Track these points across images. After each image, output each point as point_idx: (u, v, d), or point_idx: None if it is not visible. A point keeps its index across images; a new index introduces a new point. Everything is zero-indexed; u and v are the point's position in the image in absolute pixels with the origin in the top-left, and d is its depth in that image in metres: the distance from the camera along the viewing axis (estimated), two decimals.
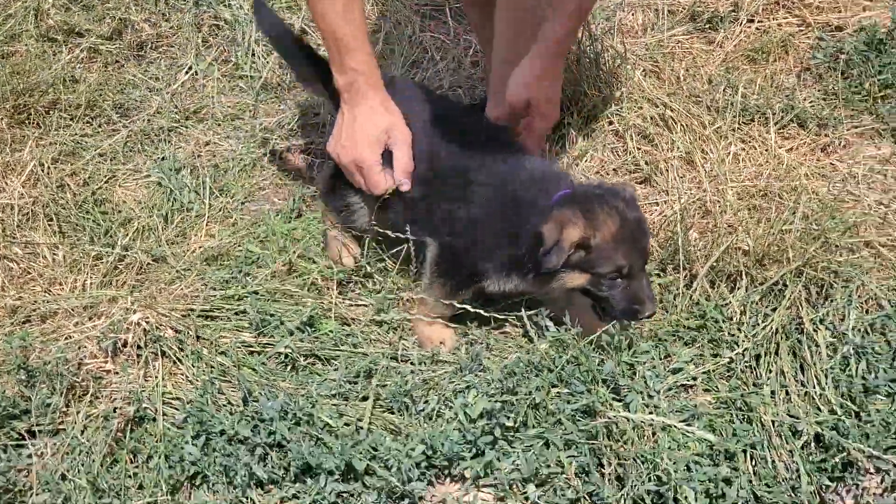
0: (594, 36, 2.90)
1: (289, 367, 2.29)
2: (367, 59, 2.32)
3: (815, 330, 2.20)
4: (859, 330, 2.21)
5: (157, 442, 2.11)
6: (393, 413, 2.17)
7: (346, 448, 2.04)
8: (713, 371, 2.19)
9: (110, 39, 3.22)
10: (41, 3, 3.25)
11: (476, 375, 2.19)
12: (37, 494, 2.02)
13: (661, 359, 2.22)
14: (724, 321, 2.25)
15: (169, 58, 3.23)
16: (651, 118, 2.77)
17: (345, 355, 2.30)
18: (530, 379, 2.10)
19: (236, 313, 2.37)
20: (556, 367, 2.10)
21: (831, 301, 2.25)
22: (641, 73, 2.91)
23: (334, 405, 2.17)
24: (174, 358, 2.26)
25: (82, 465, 2.05)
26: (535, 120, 2.47)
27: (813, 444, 2.06)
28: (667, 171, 2.66)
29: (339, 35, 2.30)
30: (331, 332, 2.35)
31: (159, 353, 2.25)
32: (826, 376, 2.13)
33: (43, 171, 2.75)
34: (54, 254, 2.55)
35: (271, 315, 2.35)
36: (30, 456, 2.09)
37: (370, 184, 2.34)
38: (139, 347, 2.25)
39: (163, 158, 2.88)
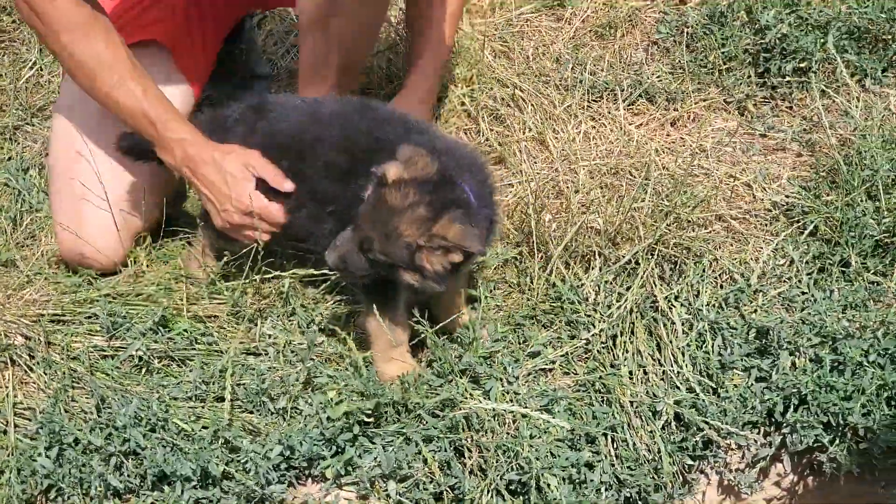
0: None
1: (143, 371, 2.21)
2: (184, 125, 2.26)
3: (669, 307, 2.23)
4: (713, 305, 2.25)
5: (8, 456, 2.04)
6: (251, 413, 2.13)
7: (203, 453, 1.99)
8: (571, 353, 2.20)
9: None
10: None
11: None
12: None
13: (519, 344, 2.22)
14: (579, 302, 2.26)
15: (12, 53, 3.10)
16: (502, 99, 2.76)
17: (201, 355, 2.23)
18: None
19: (88, 317, 2.29)
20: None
21: (685, 277, 2.29)
22: (491, 54, 2.90)
23: (190, 408, 2.12)
24: (25, 366, 2.19)
25: None
26: None
27: (673, 424, 2.09)
28: (519, 152, 2.66)
29: (151, 115, 2.23)
30: (185, 331, 2.27)
31: (9, 362, 2.18)
32: (683, 354, 2.17)
33: None
34: None
35: (123, 317, 2.27)
36: None
37: (273, 220, 2.22)
38: None
39: (9, 158, 2.78)
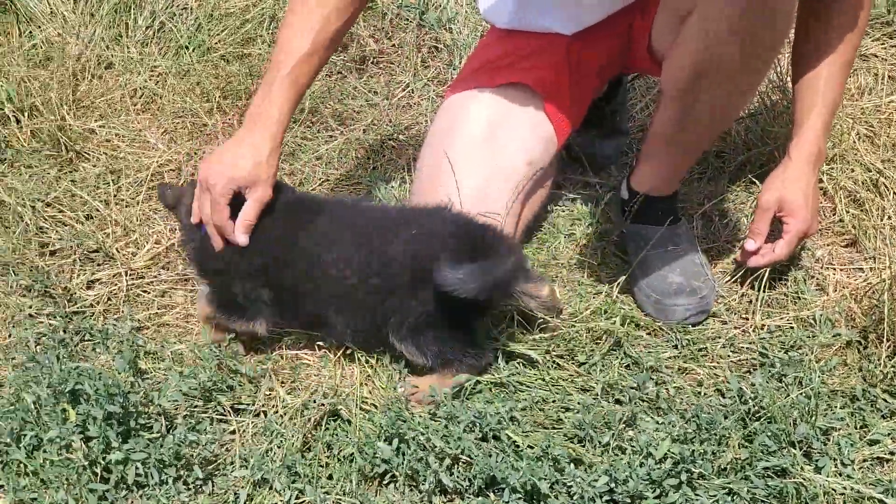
0: None
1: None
2: (272, 122, 2.29)
3: None
4: None
5: (349, 437, 2.20)
6: (574, 442, 2.21)
7: (532, 467, 2.10)
8: None
9: (336, 51, 3.37)
10: (276, 11, 3.44)
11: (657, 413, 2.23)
12: (238, 468, 2.15)
13: (856, 428, 2.20)
14: None
15: (388, 73, 3.37)
16: (863, 182, 2.76)
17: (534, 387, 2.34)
18: (716, 426, 2.13)
19: None
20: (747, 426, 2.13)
21: None
22: (856, 136, 2.89)
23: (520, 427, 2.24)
24: (367, 365, 2.36)
25: (278, 447, 2.17)
26: (787, 223, 2.47)
27: None
28: (875, 237, 2.64)
29: (283, 65, 2.28)
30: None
31: (356, 359, 2.35)
32: None
33: None
34: None
35: None
36: (233, 432, 2.22)
37: (210, 213, 2.24)
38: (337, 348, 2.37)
39: (373, 168, 3.01)
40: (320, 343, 2.36)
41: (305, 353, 2.38)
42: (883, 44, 3.25)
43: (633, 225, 2.58)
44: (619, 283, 2.48)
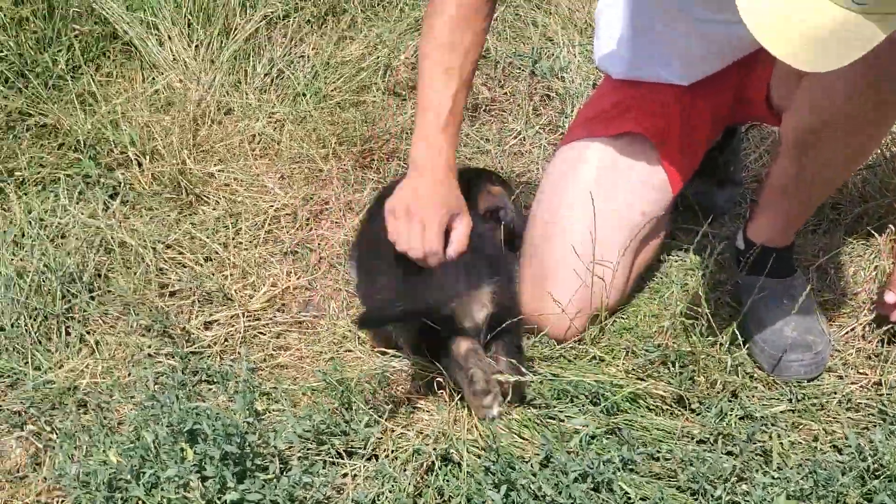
0: None
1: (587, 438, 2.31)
2: (454, 142, 2.35)
3: None
4: None
5: (460, 483, 2.20)
6: (687, 494, 2.19)
7: None
8: None
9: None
10: (392, 60, 3.51)
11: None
12: None
13: None
14: None
15: (500, 121, 3.41)
16: None
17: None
18: (834, 483, 2.09)
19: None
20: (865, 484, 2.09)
21: None
22: None
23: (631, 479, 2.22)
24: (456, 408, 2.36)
25: (390, 491, 2.19)
26: None
27: None
28: None
29: (440, 108, 2.31)
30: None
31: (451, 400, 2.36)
32: None
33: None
34: None
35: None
36: (344, 475, 2.25)
37: (421, 241, 2.30)
38: (451, 392, 2.38)
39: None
40: (439, 380, 2.37)
41: (419, 396, 2.40)
42: None
43: (749, 276, 2.56)
44: (731, 331, 2.45)
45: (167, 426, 2.18)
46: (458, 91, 2.32)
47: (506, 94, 3.49)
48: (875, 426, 2.30)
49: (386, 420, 2.32)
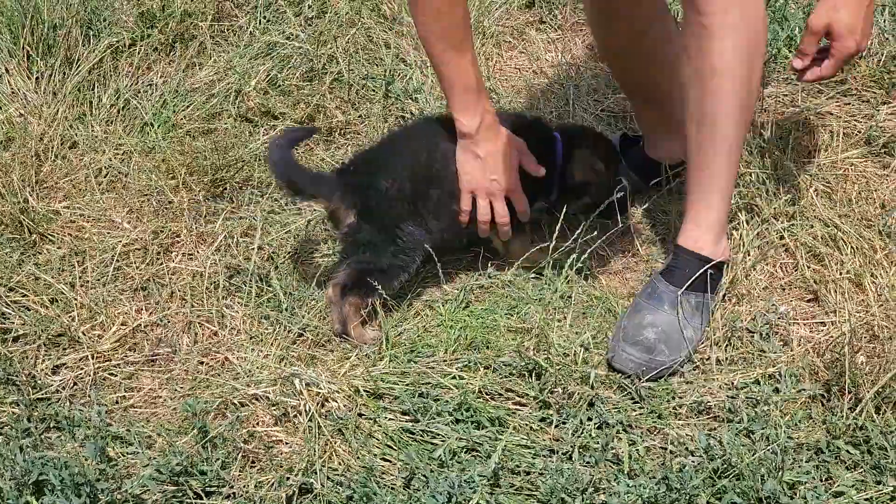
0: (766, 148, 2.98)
1: (450, 454, 2.33)
2: (488, 100, 2.65)
3: None
4: None
5: None
6: None
7: None
8: (876, 498, 2.18)
9: (302, 124, 3.41)
10: (243, 86, 3.48)
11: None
12: None
13: (822, 481, 2.22)
14: (889, 448, 2.24)
15: (355, 144, 3.40)
16: (822, 237, 2.80)
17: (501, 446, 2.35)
18: (686, 486, 2.15)
19: (396, 398, 2.45)
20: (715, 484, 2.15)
21: None
22: (814, 192, 2.94)
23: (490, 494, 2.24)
24: (337, 433, 2.36)
25: None
26: (833, 45, 2.50)
27: None
28: (835, 291, 2.68)
29: (469, 83, 2.58)
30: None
31: (325, 428, 2.35)
32: None
33: (233, 243, 2.92)
34: (239, 322, 2.70)
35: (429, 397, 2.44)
36: None
37: (520, 205, 2.75)
38: (310, 419, 2.37)
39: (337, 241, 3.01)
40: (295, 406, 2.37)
41: (276, 431, 2.38)
42: (837, 101, 3.32)
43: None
44: (586, 340, 2.50)
45: (10, 479, 2.11)
46: (472, 58, 2.59)
47: (360, 116, 3.48)
48: (723, 425, 2.37)
49: (244, 455, 2.30)
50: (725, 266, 2.68)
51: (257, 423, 2.40)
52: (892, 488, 2.18)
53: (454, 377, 2.50)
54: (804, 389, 2.42)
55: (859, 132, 3.19)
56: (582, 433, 2.36)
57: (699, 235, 2.62)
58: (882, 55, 3.35)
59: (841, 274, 2.71)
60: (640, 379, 2.48)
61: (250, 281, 2.79)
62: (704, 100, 2.49)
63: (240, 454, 2.31)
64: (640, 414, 2.42)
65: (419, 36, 2.63)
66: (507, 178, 2.69)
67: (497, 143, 2.66)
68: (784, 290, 2.75)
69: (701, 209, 2.61)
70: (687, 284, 2.59)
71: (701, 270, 2.59)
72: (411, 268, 2.73)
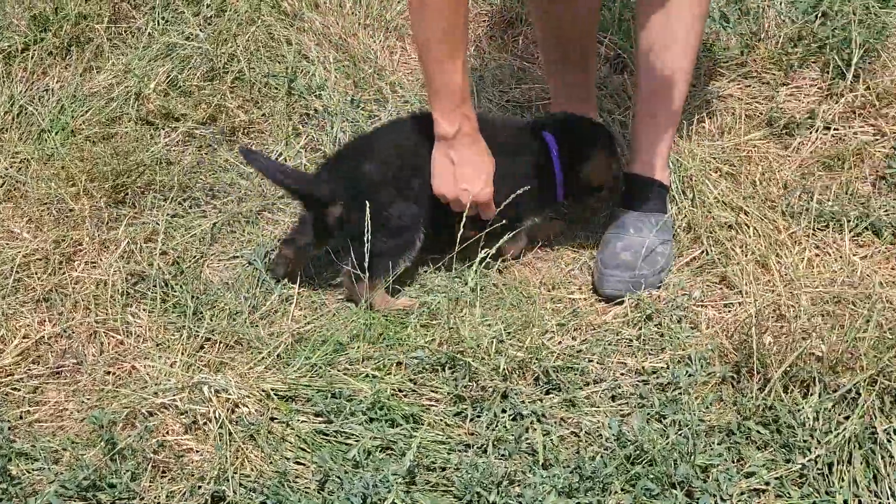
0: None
1: (364, 454, 2.32)
2: (471, 108, 2.61)
3: (888, 440, 2.21)
4: None
5: None
6: (463, 501, 2.20)
7: None
8: (786, 476, 2.21)
9: (204, 124, 3.35)
10: (142, 88, 3.41)
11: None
12: None
13: (734, 462, 2.25)
14: (797, 426, 2.28)
15: (259, 144, 3.36)
16: (726, 220, 2.83)
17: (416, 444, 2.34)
18: (599, 474, 2.16)
19: (309, 400, 2.43)
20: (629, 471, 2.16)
21: None
22: (718, 175, 2.97)
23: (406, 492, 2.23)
24: (249, 438, 2.33)
25: None
26: None
27: None
28: (742, 273, 2.71)
29: (456, 88, 2.55)
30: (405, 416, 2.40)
31: (236, 434, 2.32)
32: None
33: (136, 249, 2.86)
34: (145, 330, 2.65)
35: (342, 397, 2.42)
36: None
37: (487, 216, 2.68)
38: (220, 426, 2.33)
39: (248, 241, 2.98)
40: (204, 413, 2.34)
41: (187, 439, 2.34)
42: (738, 84, 3.36)
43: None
44: (499, 331, 2.50)
45: None
46: (464, 63, 2.54)
47: (263, 115, 3.43)
48: (636, 412, 2.39)
49: (154, 465, 2.25)
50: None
51: (167, 433, 2.36)
52: (800, 466, 2.22)
53: (367, 376, 2.48)
54: (714, 372, 2.45)
55: (761, 114, 3.24)
56: (496, 426, 2.35)
57: (649, 162, 2.84)
58: (780, 37, 3.40)
59: (747, 256, 2.75)
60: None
61: (154, 287, 2.74)
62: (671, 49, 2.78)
63: (150, 464, 2.27)
64: (554, 403, 2.42)
65: (417, 39, 2.60)
66: (478, 190, 2.64)
67: (474, 152, 2.63)
68: (693, 273, 2.78)
69: (653, 141, 2.85)
70: (645, 206, 2.81)
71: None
72: (413, 246, 2.74)
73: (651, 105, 2.85)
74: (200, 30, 3.61)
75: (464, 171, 2.62)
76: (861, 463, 2.20)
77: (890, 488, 2.16)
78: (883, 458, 2.20)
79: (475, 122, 2.62)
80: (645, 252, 2.71)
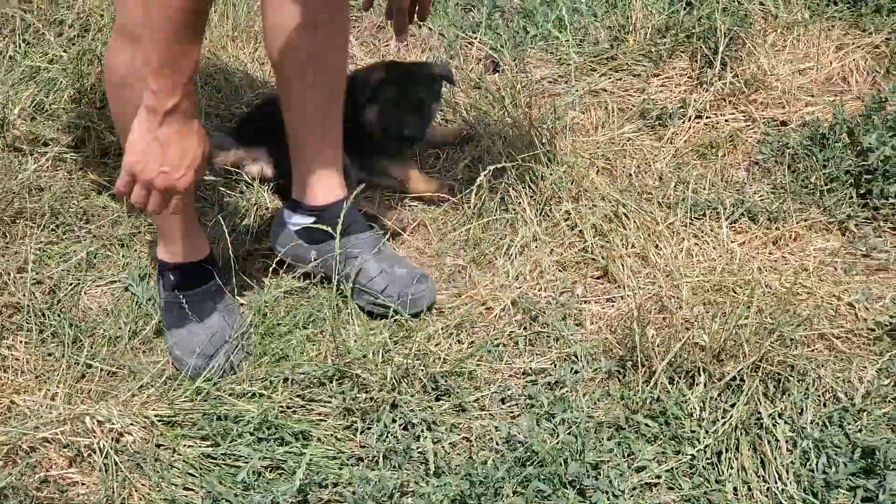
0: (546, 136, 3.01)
1: (254, 475, 2.27)
2: (193, 96, 2.27)
3: (774, 425, 2.25)
4: (817, 423, 2.27)
5: None
6: None
7: None
8: (676, 468, 2.23)
9: (75, 148, 3.26)
10: (7, 114, 3.29)
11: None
12: None
13: (624, 457, 2.26)
14: (684, 417, 2.30)
15: None
16: (605, 215, 2.85)
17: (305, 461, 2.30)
18: (490, 479, 2.15)
19: (195, 424, 2.38)
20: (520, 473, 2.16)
21: (789, 395, 2.31)
22: (595, 172, 3.00)
23: None
24: (136, 467, 2.28)
25: None
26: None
27: None
28: (623, 266, 2.73)
29: (188, 68, 2.19)
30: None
31: (122, 464, 2.27)
32: (787, 472, 2.18)
33: (9, 280, 2.76)
34: (23, 362, 2.57)
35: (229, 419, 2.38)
36: None
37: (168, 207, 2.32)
38: (105, 457, 2.27)
39: (127, 263, 2.91)
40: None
41: (71, 473, 2.27)
42: (609, 78, 3.40)
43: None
44: (384, 341, 2.48)
45: None
46: (199, 51, 2.21)
47: None
48: (525, 413, 2.39)
49: (38, 502, 2.18)
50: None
51: (50, 467, 2.28)
52: (690, 456, 2.24)
53: (254, 395, 2.43)
54: (600, 368, 2.46)
55: (633, 106, 3.28)
56: (387, 437, 2.33)
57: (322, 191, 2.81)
58: (648, 28, 3.45)
59: (627, 249, 2.77)
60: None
61: (30, 317, 2.65)
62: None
63: (33, 502, 2.19)
64: (444, 409, 2.41)
65: (154, 17, 2.14)
66: (177, 176, 2.27)
67: (183, 133, 2.25)
68: (574, 269, 2.79)
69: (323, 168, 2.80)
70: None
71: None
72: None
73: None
74: (64, 51, 3.51)
75: (169, 152, 2.25)
76: (749, 449, 2.23)
77: (777, 472, 2.19)
78: (769, 442, 2.23)
79: (194, 107, 2.26)
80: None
